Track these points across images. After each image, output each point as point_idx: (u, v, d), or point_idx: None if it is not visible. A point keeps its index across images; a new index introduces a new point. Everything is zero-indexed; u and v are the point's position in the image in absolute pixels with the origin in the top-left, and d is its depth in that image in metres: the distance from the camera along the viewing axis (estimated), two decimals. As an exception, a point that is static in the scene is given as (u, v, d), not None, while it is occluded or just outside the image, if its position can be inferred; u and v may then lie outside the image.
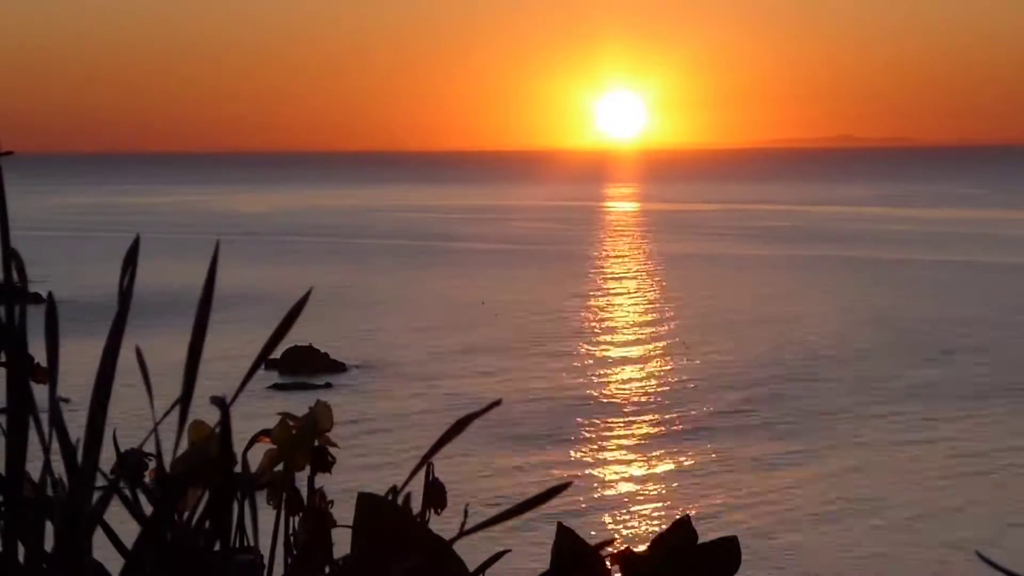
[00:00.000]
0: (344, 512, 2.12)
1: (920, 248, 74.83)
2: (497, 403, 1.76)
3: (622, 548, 2.15)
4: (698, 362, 38.21)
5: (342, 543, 2.10)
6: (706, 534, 2.24)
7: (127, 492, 1.93)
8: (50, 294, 1.83)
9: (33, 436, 1.72)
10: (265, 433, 2.21)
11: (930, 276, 60.11)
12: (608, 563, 2.12)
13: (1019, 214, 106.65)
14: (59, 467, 1.73)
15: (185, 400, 1.73)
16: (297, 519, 2.20)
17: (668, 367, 37.89)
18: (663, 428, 30.36)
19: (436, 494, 2.22)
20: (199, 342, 1.72)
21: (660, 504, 24.40)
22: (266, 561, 2.04)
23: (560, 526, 2.13)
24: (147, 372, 1.83)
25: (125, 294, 1.73)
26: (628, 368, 37.68)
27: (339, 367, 37.05)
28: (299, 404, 2.28)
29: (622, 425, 30.53)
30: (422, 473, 2.20)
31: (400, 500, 1.97)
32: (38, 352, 1.85)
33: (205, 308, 1.72)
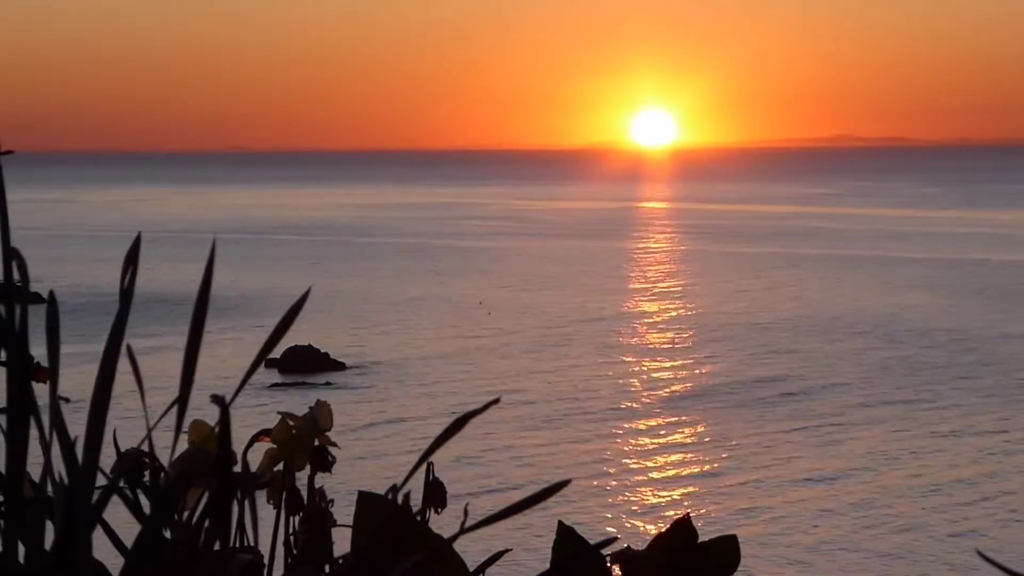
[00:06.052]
0: (344, 511, 2.12)
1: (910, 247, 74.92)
2: (495, 402, 1.76)
3: (622, 547, 2.15)
4: (693, 355, 38.23)
5: (342, 542, 2.11)
6: (705, 525, 2.24)
7: (127, 492, 1.93)
8: (51, 294, 1.83)
9: (33, 436, 1.72)
10: (265, 433, 2.20)
11: (927, 273, 60.19)
12: (608, 562, 2.12)
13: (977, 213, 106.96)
14: (59, 467, 1.73)
15: (183, 400, 1.73)
16: (297, 519, 2.20)
17: (668, 364, 37.90)
18: (663, 422, 30.38)
19: (436, 493, 2.22)
20: (196, 341, 1.72)
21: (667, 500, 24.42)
22: (266, 561, 2.04)
23: (561, 525, 2.12)
24: (139, 370, 1.83)
25: (126, 293, 1.73)
26: (625, 365, 37.68)
27: (339, 366, 37.05)
28: (299, 403, 2.29)
29: (621, 421, 30.53)
30: (422, 472, 2.20)
31: (400, 499, 1.97)
32: (37, 351, 1.85)
33: (202, 307, 1.72)
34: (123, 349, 1.74)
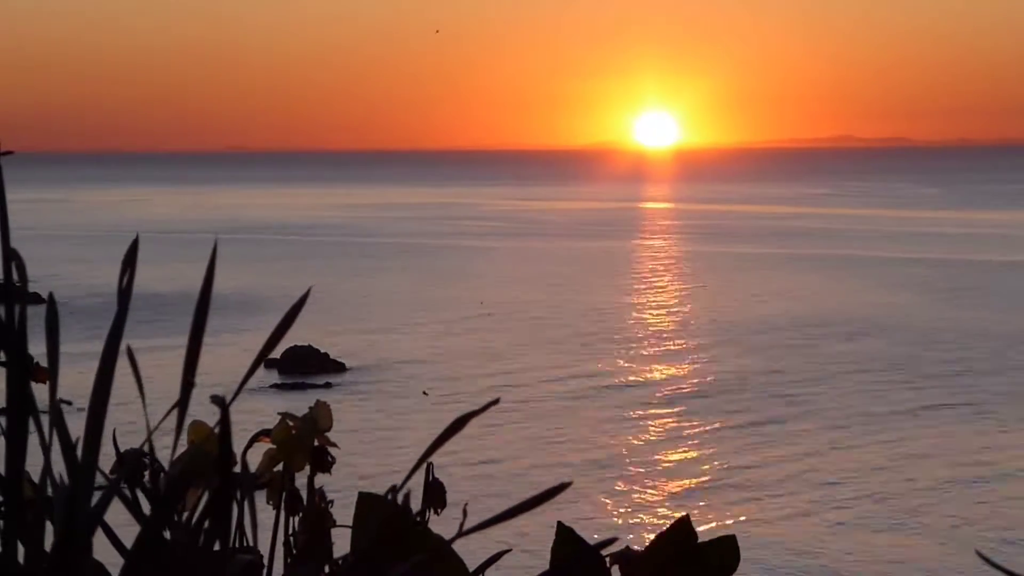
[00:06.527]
0: (344, 512, 2.12)
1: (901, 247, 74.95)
2: (495, 402, 1.76)
3: (622, 547, 2.15)
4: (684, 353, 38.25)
5: (342, 543, 2.11)
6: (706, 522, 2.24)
7: (127, 492, 1.93)
8: (51, 295, 1.83)
9: (33, 436, 1.72)
10: (265, 433, 2.21)
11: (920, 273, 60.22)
12: (608, 563, 2.12)
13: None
14: (59, 467, 1.73)
15: (183, 401, 1.73)
16: (297, 519, 2.20)
17: (668, 364, 37.92)
18: (668, 420, 30.40)
19: (435, 494, 2.22)
20: (197, 342, 1.72)
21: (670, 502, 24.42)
22: (266, 561, 2.04)
23: (560, 525, 2.12)
24: (139, 372, 1.83)
25: (124, 294, 1.73)
26: (625, 365, 37.68)
27: (339, 367, 37.05)
28: (299, 404, 2.28)
29: (621, 421, 30.54)
30: (422, 472, 2.20)
31: (400, 499, 1.97)
32: (36, 351, 1.85)
33: (203, 308, 1.72)
34: (122, 350, 1.74)
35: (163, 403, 1.80)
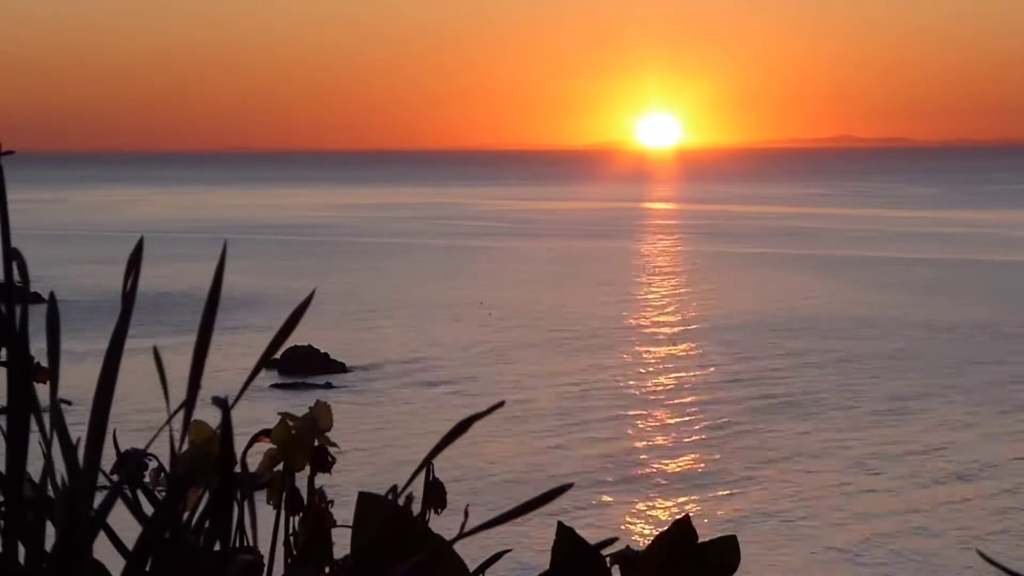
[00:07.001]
0: (344, 512, 2.12)
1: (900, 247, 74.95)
2: (500, 405, 1.76)
3: (622, 547, 2.15)
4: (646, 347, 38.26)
5: (342, 543, 2.11)
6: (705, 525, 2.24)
7: (127, 492, 1.93)
8: (52, 294, 1.83)
9: (34, 436, 1.72)
10: (265, 433, 2.21)
11: (924, 273, 60.22)
12: (608, 562, 2.12)
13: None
14: (60, 467, 1.73)
15: (189, 404, 1.73)
16: (297, 519, 2.20)
17: (669, 365, 37.93)
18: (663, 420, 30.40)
19: (436, 494, 2.22)
20: (205, 343, 1.72)
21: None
22: (266, 561, 2.04)
23: (560, 525, 2.12)
24: (164, 373, 1.83)
25: (128, 295, 1.73)
26: (626, 366, 37.68)
27: (339, 367, 37.03)
28: (299, 404, 2.29)
29: (622, 422, 30.54)
30: (422, 473, 2.20)
31: (401, 500, 1.97)
32: (38, 351, 1.85)
33: (211, 309, 1.72)
34: (143, 348, 1.75)
35: (164, 403, 1.80)
